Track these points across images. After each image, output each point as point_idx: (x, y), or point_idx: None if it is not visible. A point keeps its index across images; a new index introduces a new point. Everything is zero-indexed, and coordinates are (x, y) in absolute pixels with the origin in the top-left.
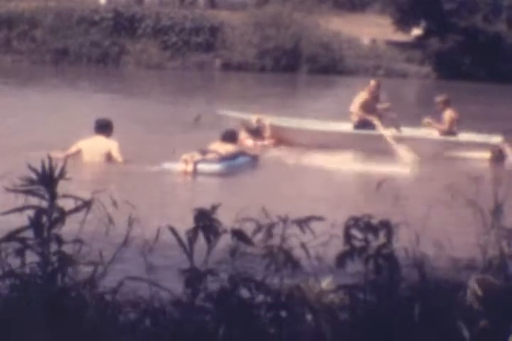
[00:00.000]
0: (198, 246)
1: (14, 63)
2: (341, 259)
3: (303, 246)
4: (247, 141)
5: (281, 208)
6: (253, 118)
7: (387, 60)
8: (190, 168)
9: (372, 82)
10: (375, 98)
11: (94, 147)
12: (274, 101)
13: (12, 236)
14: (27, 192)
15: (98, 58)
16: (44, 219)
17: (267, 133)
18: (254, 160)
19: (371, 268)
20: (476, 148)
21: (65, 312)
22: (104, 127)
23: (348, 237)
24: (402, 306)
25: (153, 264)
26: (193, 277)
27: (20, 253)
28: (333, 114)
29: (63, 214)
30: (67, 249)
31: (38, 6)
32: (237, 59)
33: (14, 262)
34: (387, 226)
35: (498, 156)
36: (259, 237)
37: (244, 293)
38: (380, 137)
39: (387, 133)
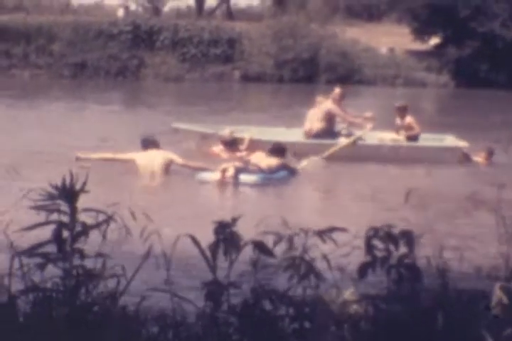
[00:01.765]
0: (219, 258)
1: (32, 78)
2: (363, 270)
3: (325, 257)
4: (222, 154)
5: (304, 218)
6: (226, 132)
7: (406, 69)
8: (228, 177)
9: (337, 90)
10: (339, 106)
11: (151, 160)
12: (293, 112)
13: (34, 250)
14: (48, 209)
15: (117, 71)
16: (66, 233)
17: (244, 145)
18: (292, 173)
19: (393, 278)
20: (442, 152)
21: (88, 327)
22: (152, 142)
23: (369, 247)
24: (425, 316)
25: (174, 277)
26: (216, 290)
27: (42, 267)
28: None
29: (85, 229)
30: (89, 262)
31: (55, 20)
32: (255, 70)
33: (37, 277)
34: (408, 235)
35: (466, 159)
36: (281, 249)
37: (267, 305)
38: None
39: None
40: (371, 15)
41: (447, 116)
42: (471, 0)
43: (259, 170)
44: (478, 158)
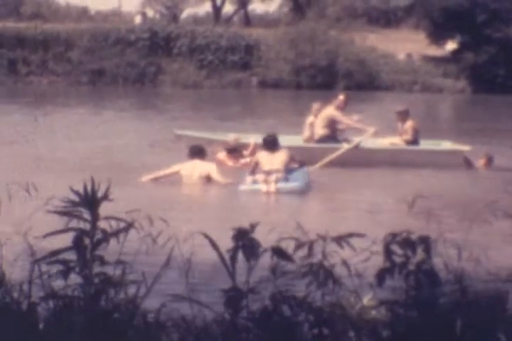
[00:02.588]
0: (238, 264)
1: (50, 84)
2: (382, 276)
3: (344, 263)
4: (227, 160)
5: (320, 225)
6: (230, 138)
7: (423, 75)
8: (272, 187)
9: (341, 97)
10: (342, 112)
11: (193, 170)
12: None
13: (53, 257)
14: (69, 215)
15: (135, 78)
16: (86, 240)
17: (248, 151)
18: (303, 167)
19: (412, 284)
20: (444, 156)
21: (109, 334)
22: (198, 152)
23: (387, 253)
24: (443, 321)
25: (194, 283)
26: (235, 296)
27: (62, 274)
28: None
29: (106, 236)
30: (109, 269)
31: (73, 28)
32: (273, 76)
33: (57, 284)
34: (426, 241)
35: (468, 163)
36: (299, 255)
37: (286, 311)
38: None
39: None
40: (389, 21)
41: (464, 121)
42: (488, 5)
43: (285, 173)
44: (478, 164)
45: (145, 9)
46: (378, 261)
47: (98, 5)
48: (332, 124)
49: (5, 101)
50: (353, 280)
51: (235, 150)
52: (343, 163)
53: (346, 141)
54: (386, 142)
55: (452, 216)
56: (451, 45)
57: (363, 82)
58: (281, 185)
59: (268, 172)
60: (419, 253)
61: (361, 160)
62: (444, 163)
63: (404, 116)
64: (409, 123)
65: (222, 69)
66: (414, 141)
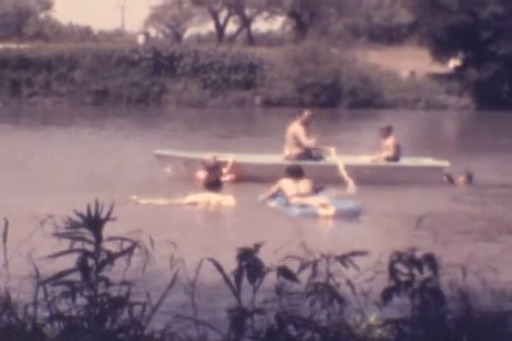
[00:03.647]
0: (244, 283)
1: (54, 105)
2: (387, 294)
3: (348, 282)
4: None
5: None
6: (209, 156)
7: (427, 92)
8: (331, 211)
9: (306, 113)
10: (307, 128)
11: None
12: (320, 138)
13: (58, 278)
14: (73, 237)
15: (139, 98)
16: (91, 261)
17: (227, 169)
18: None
19: (417, 302)
20: (424, 173)
21: None
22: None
23: (393, 272)
24: (449, 339)
25: (199, 303)
26: (240, 316)
27: (68, 296)
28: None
29: (111, 257)
30: (114, 290)
31: (76, 48)
32: (276, 95)
33: (62, 305)
34: (431, 260)
35: (450, 180)
36: (304, 274)
37: (292, 330)
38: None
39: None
40: (392, 38)
41: (468, 137)
42: (491, 23)
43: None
44: (458, 180)
45: (148, 29)
46: (384, 280)
47: (101, 25)
48: (300, 141)
49: (7, 121)
50: (359, 299)
51: (213, 169)
52: (323, 180)
53: (321, 157)
54: (367, 159)
55: (455, 233)
56: (454, 62)
57: (366, 100)
58: (339, 207)
59: (300, 195)
60: (425, 272)
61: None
62: (424, 179)
63: (386, 132)
64: (390, 140)
65: (226, 89)
66: (395, 158)
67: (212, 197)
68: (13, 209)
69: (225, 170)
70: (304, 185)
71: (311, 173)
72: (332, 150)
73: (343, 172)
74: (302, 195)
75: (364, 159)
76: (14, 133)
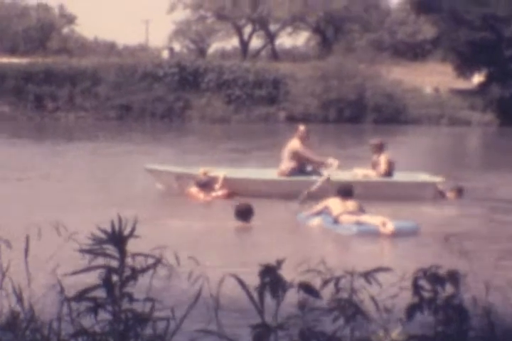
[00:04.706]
0: (267, 299)
1: (78, 120)
2: (411, 311)
3: (372, 298)
4: (199, 194)
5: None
6: (200, 171)
7: (450, 108)
8: (390, 229)
9: (301, 128)
10: (305, 143)
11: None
12: (319, 152)
13: (83, 295)
14: (97, 254)
15: (162, 113)
16: (115, 277)
17: (218, 184)
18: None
19: (440, 319)
20: (417, 188)
21: None
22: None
23: (416, 288)
24: None
25: (223, 318)
26: (264, 332)
27: (92, 311)
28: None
29: (135, 273)
30: (138, 305)
31: (100, 62)
32: (300, 111)
33: (86, 321)
34: (455, 276)
35: (440, 196)
36: (326, 290)
37: None
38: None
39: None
40: (416, 54)
41: (491, 154)
42: None
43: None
44: (449, 195)
45: (172, 44)
46: (407, 296)
47: (125, 39)
48: (298, 157)
49: (28, 136)
50: (382, 315)
51: (205, 184)
52: (316, 196)
53: (315, 172)
54: (359, 174)
55: (478, 250)
56: (478, 78)
57: (390, 116)
58: (399, 225)
59: (350, 214)
60: (448, 288)
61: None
62: (416, 195)
63: (378, 148)
64: (383, 156)
65: (250, 104)
66: (387, 174)
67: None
68: (35, 224)
69: (216, 186)
70: (352, 204)
71: (300, 188)
72: (335, 163)
73: (317, 186)
74: (351, 214)
75: (357, 172)
76: (33, 147)
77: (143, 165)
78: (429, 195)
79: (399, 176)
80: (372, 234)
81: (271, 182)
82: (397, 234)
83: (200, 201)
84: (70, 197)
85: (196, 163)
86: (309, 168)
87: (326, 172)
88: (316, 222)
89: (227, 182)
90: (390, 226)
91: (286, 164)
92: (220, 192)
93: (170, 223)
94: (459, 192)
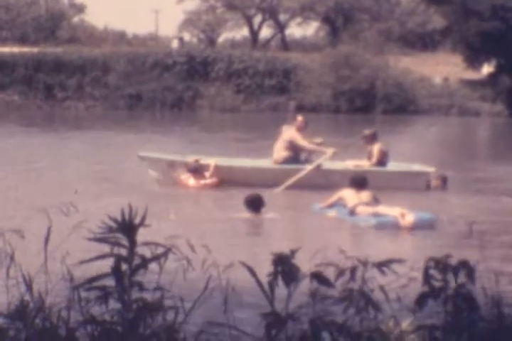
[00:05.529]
0: (279, 288)
1: (88, 109)
2: (421, 300)
3: (382, 288)
4: (189, 181)
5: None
6: (191, 159)
7: (460, 98)
8: (410, 221)
9: (300, 118)
10: (303, 133)
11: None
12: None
13: (92, 283)
14: (107, 242)
15: (172, 103)
16: (124, 266)
17: (209, 172)
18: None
19: (450, 309)
20: (409, 178)
21: None
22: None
23: (427, 278)
24: None
25: (232, 308)
26: (274, 322)
27: (101, 300)
28: (412, 154)
29: (144, 262)
30: (148, 294)
31: (110, 52)
32: (311, 100)
33: (95, 309)
34: (465, 266)
35: (428, 185)
36: (338, 280)
37: (326, 336)
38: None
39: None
40: (425, 44)
41: (500, 144)
42: None
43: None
44: (433, 184)
45: (182, 33)
46: (417, 286)
47: (135, 29)
48: (294, 146)
49: (37, 125)
50: (392, 305)
51: (196, 172)
52: (306, 184)
53: (308, 161)
54: (351, 164)
55: (488, 240)
56: (487, 69)
57: (400, 106)
58: (418, 217)
59: (365, 205)
60: (459, 278)
61: (323, 181)
62: (409, 184)
63: (371, 139)
64: (375, 147)
65: (260, 94)
66: (380, 164)
67: (364, 194)
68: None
69: (207, 173)
70: (366, 195)
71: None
72: (330, 151)
73: (300, 175)
74: (367, 205)
75: (349, 164)
76: (41, 136)
77: (136, 153)
78: (421, 185)
79: (392, 166)
80: (391, 226)
81: (262, 170)
82: (416, 226)
83: (191, 188)
84: (70, 186)
85: (198, 151)
86: (303, 157)
87: (317, 161)
88: (332, 213)
89: (218, 169)
90: (410, 218)
91: (281, 153)
92: (209, 180)
93: (177, 213)
94: (444, 180)
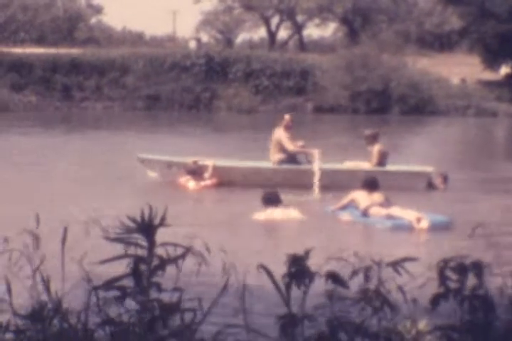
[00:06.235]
0: (295, 289)
1: (105, 110)
2: (436, 300)
3: (399, 288)
4: (189, 183)
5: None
6: (190, 160)
7: (477, 99)
8: (425, 224)
9: (287, 117)
10: (289, 132)
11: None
12: (334, 142)
13: (111, 284)
14: (126, 242)
15: (190, 104)
16: (143, 267)
17: (208, 173)
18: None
19: (466, 309)
20: (409, 178)
21: None
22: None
23: (442, 278)
24: None
25: (250, 309)
26: (291, 323)
27: (119, 301)
28: (429, 154)
29: (163, 263)
30: (166, 295)
31: (128, 53)
32: (328, 101)
33: (112, 310)
34: (480, 266)
35: (430, 184)
36: (353, 280)
37: (343, 336)
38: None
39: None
40: (443, 45)
41: None
42: None
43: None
44: (435, 182)
45: (199, 34)
46: (433, 286)
47: (153, 30)
48: (282, 146)
49: (53, 126)
50: (409, 305)
51: (195, 173)
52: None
53: (307, 161)
54: (352, 165)
55: (506, 240)
56: (505, 70)
57: (417, 107)
58: (433, 221)
59: (378, 206)
60: (473, 279)
61: (328, 182)
62: (408, 185)
63: (371, 139)
64: (375, 147)
65: (277, 95)
66: (380, 165)
67: (276, 212)
68: (61, 212)
69: (206, 174)
70: (378, 196)
71: (289, 177)
72: (315, 152)
73: (316, 178)
74: (381, 206)
75: (349, 165)
76: (57, 137)
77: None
78: (421, 186)
79: (392, 168)
80: (406, 229)
81: (260, 171)
82: (431, 230)
83: (190, 190)
84: (78, 188)
85: (215, 153)
86: (300, 157)
87: (315, 164)
88: (345, 215)
89: (216, 170)
90: (425, 223)
91: (275, 156)
92: (209, 181)
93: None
94: (445, 178)
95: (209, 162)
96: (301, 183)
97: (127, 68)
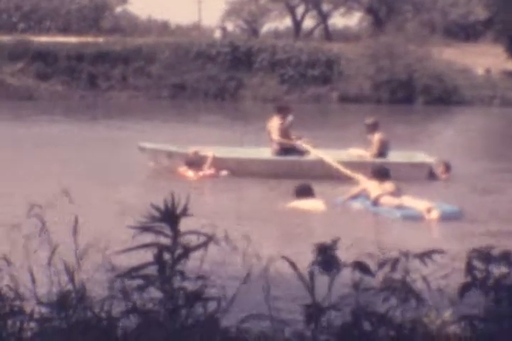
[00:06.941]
0: (319, 279)
1: (131, 99)
2: (463, 291)
3: (424, 279)
4: (188, 173)
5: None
6: (190, 151)
7: (502, 89)
8: (436, 214)
9: (284, 105)
10: (284, 122)
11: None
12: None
13: (135, 272)
14: (150, 230)
15: (215, 93)
16: (167, 256)
17: (208, 164)
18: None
19: (491, 299)
20: (410, 168)
21: None
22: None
23: (469, 268)
24: None
25: (274, 298)
26: (315, 312)
27: (143, 289)
28: (455, 143)
29: (187, 251)
30: (190, 283)
31: (154, 42)
32: (353, 91)
33: (135, 299)
34: (508, 257)
35: (431, 174)
36: (378, 271)
37: (367, 326)
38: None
39: (326, 156)
40: (468, 35)
41: None
42: None
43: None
44: (438, 172)
45: (225, 24)
46: (458, 276)
47: (178, 19)
48: (283, 136)
49: (77, 114)
50: (434, 295)
51: (194, 163)
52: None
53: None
54: (354, 155)
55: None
56: None
57: (441, 97)
58: (443, 212)
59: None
60: (500, 269)
61: (326, 172)
62: (410, 175)
63: (372, 128)
64: (376, 136)
65: (303, 84)
66: (380, 154)
67: (303, 203)
68: (87, 200)
69: (205, 165)
70: (389, 185)
71: (289, 168)
72: (300, 144)
73: (340, 168)
74: (392, 195)
75: (352, 152)
76: (80, 126)
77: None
78: (423, 176)
79: (394, 156)
80: (416, 219)
81: (260, 162)
82: (441, 220)
83: (189, 180)
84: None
85: (238, 141)
86: (300, 147)
87: (318, 154)
88: (357, 205)
89: (216, 161)
90: (435, 214)
91: (273, 146)
92: (208, 172)
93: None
94: (447, 167)
95: (209, 153)
96: (299, 174)
97: (153, 57)
